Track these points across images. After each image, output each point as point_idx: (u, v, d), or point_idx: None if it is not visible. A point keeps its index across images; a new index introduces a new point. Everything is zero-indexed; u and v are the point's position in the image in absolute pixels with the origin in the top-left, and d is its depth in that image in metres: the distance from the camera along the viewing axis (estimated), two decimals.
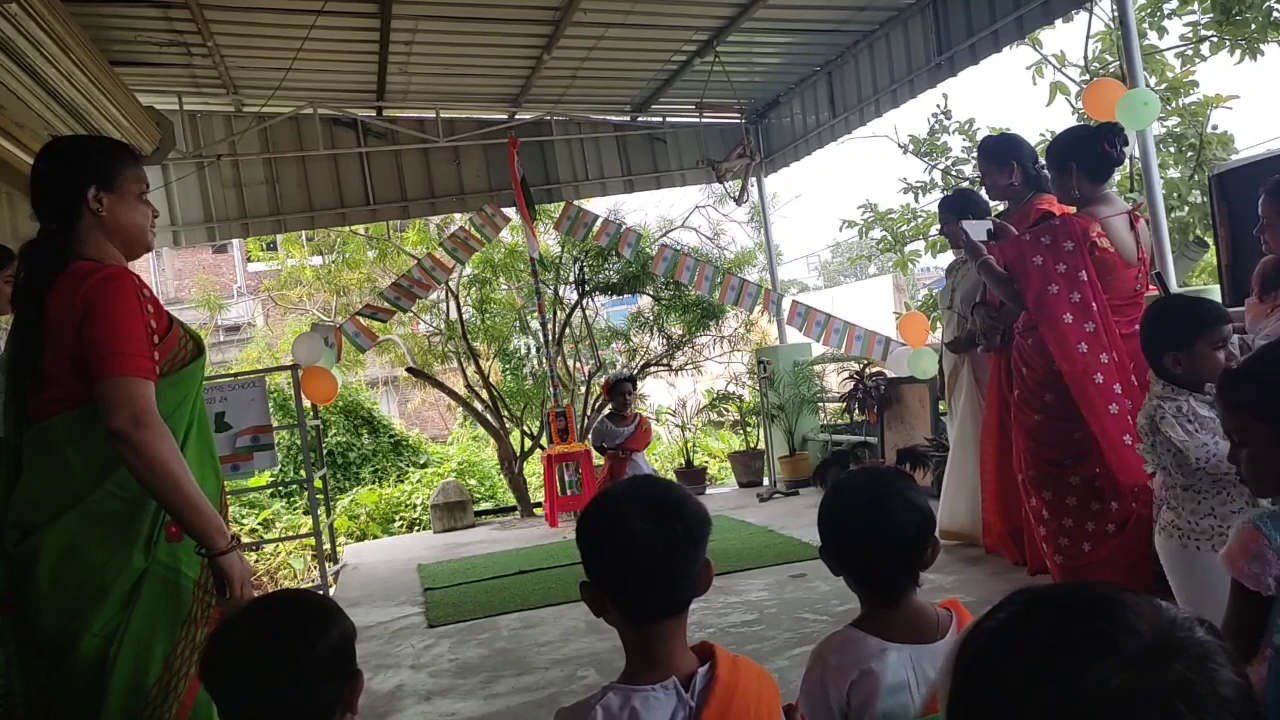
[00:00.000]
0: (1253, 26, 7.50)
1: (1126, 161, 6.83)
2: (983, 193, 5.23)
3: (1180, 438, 2.58)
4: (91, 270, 2.09)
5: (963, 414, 5.39)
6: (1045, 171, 4.52)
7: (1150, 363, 2.79)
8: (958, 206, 5.27)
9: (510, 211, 9.08)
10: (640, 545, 1.50)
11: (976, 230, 4.20)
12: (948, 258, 5.98)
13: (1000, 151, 4.73)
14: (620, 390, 6.48)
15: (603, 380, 7.79)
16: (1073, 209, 4.15)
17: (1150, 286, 4.22)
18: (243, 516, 11.85)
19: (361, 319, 8.59)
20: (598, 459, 7.44)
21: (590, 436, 6.74)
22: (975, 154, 6.12)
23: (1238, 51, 7.67)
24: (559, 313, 11.35)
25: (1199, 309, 2.77)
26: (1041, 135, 7.74)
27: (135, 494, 2.05)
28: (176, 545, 2.12)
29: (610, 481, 6.32)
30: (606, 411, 6.58)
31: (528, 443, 11.60)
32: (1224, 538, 1.88)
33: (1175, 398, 2.68)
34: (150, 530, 2.10)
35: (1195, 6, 8.03)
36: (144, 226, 2.28)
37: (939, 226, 5.80)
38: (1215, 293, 4.87)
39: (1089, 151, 4.03)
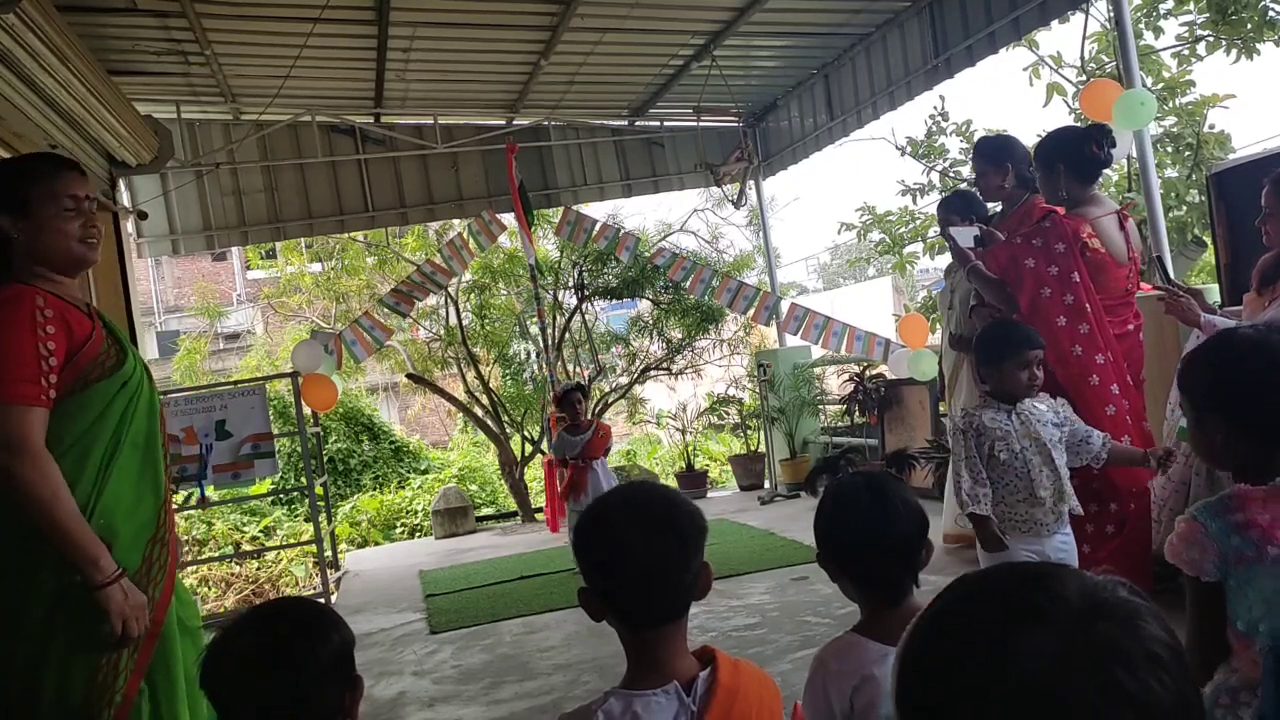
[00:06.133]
0: (1249, 26, 7.52)
1: (1125, 161, 6.84)
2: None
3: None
4: None
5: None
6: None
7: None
8: (957, 207, 5.27)
9: (508, 218, 9.09)
10: (633, 554, 1.50)
11: (964, 237, 4.20)
12: (946, 259, 5.97)
13: (995, 153, 4.73)
14: (569, 401, 6.49)
15: (551, 396, 7.83)
16: (1062, 210, 4.15)
17: (1141, 285, 4.23)
18: (244, 524, 11.86)
19: (361, 329, 8.59)
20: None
21: (552, 451, 6.74)
22: (971, 155, 6.13)
23: (1234, 51, 7.69)
24: (558, 318, 11.35)
25: (1009, 334, 3.27)
26: (1039, 136, 7.75)
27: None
28: None
29: (572, 493, 6.33)
30: (563, 424, 6.56)
31: (528, 448, 11.60)
32: None
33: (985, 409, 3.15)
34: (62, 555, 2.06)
35: (1191, 6, 8.05)
36: (67, 244, 2.18)
37: (938, 228, 5.79)
38: (1214, 291, 4.87)
39: (1077, 153, 4.04)
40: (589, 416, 6.66)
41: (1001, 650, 0.70)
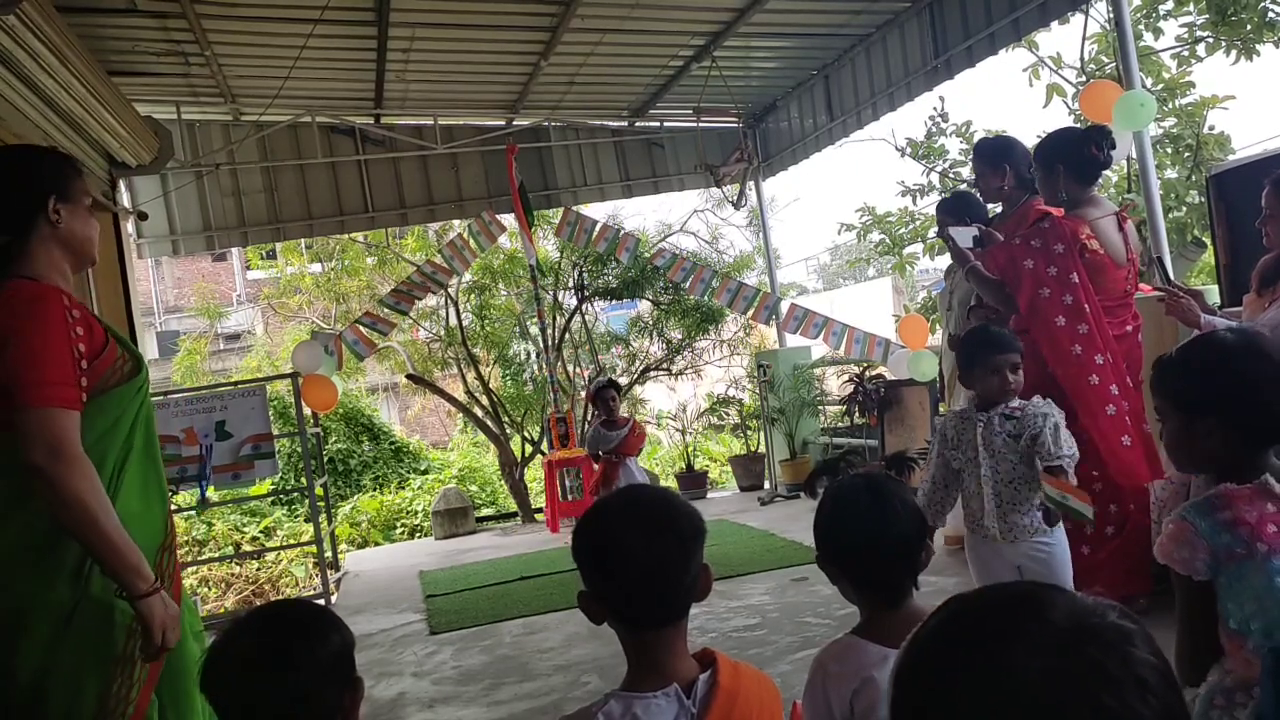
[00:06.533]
0: (1248, 27, 7.52)
1: (1124, 162, 6.84)
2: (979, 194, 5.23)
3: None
4: (16, 289, 2.02)
5: None
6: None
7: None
8: (954, 209, 5.28)
9: (508, 218, 9.10)
10: (632, 557, 1.50)
11: (962, 237, 4.20)
12: (946, 260, 5.97)
13: (994, 154, 4.73)
14: (604, 397, 6.50)
15: (585, 391, 7.79)
16: (1061, 211, 4.15)
17: (1141, 286, 4.22)
18: (244, 525, 11.86)
19: (362, 327, 8.60)
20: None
21: (586, 445, 6.73)
22: (971, 156, 6.16)
23: (1234, 52, 7.69)
24: (558, 318, 11.35)
25: (980, 338, 3.23)
26: (1039, 137, 7.74)
27: (55, 524, 1.97)
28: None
29: (603, 486, 6.31)
30: (599, 419, 6.55)
31: (528, 448, 11.60)
32: None
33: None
34: (79, 562, 2.01)
35: (1191, 7, 8.05)
36: (93, 239, 2.21)
37: (937, 229, 5.79)
38: (1214, 293, 4.87)
39: (1076, 155, 4.03)
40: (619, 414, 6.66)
41: (988, 671, 0.71)
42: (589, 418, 11.14)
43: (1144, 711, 0.69)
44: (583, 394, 11.53)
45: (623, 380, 12.19)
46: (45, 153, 2.27)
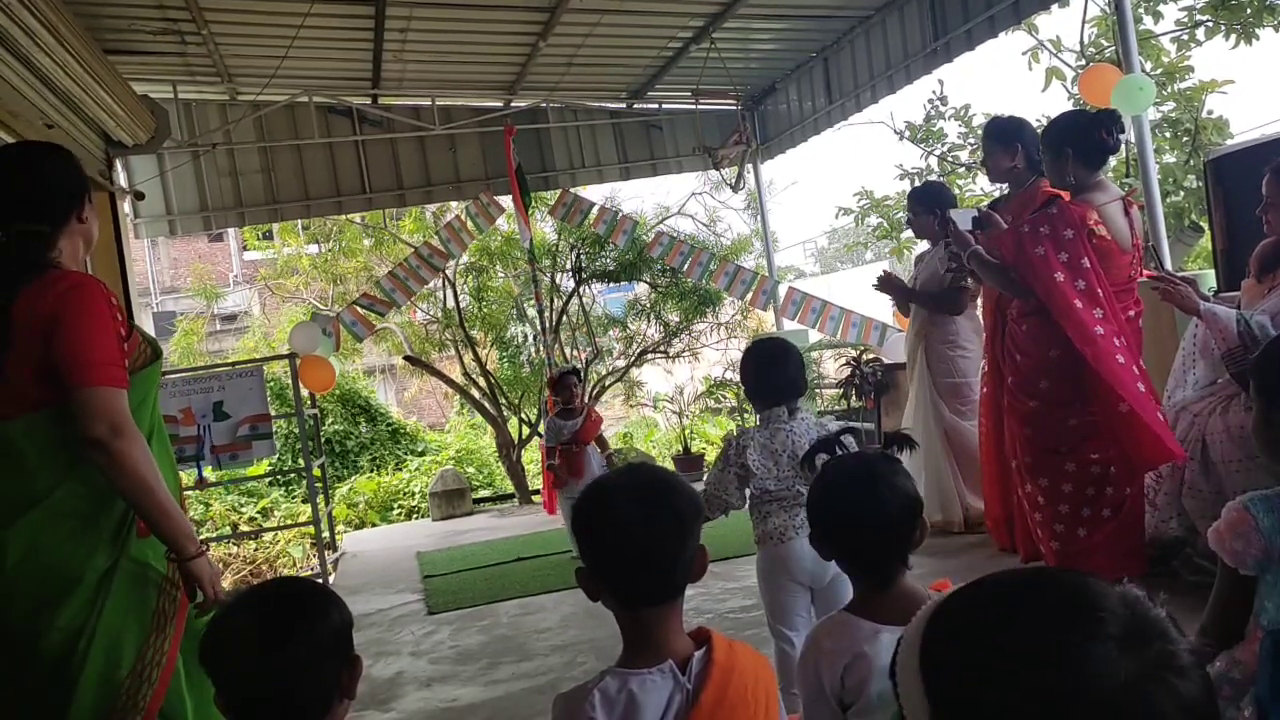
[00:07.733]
0: (1248, 11, 7.50)
1: (1123, 146, 6.83)
2: (980, 178, 5.22)
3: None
4: (59, 277, 2.12)
5: (914, 402, 5.52)
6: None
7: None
8: (926, 198, 5.28)
9: (506, 200, 9.08)
10: (629, 533, 1.52)
11: (962, 219, 4.18)
12: (923, 245, 5.92)
13: (1006, 133, 4.70)
14: (566, 383, 6.46)
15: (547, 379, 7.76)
16: (1068, 195, 4.13)
17: (1144, 272, 4.22)
18: (241, 505, 11.88)
19: (360, 308, 8.59)
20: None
21: (544, 439, 6.70)
22: (979, 137, 6.13)
23: (1233, 36, 7.67)
24: (556, 300, 11.34)
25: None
26: (1038, 120, 7.73)
27: (98, 492, 2.07)
28: (145, 541, 2.14)
29: (570, 476, 6.22)
30: (556, 410, 6.52)
31: (526, 430, 11.61)
32: None
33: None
34: (118, 526, 2.13)
35: None
36: (97, 234, 2.37)
37: (908, 218, 5.72)
38: (1210, 277, 4.88)
39: (1086, 139, 4.00)
40: (583, 401, 6.63)
41: (1067, 661, 0.71)
42: (585, 399, 11.15)
43: (1200, 695, 0.71)
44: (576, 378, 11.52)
45: (620, 363, 12.20)
46: (72, 154, 2.40)
